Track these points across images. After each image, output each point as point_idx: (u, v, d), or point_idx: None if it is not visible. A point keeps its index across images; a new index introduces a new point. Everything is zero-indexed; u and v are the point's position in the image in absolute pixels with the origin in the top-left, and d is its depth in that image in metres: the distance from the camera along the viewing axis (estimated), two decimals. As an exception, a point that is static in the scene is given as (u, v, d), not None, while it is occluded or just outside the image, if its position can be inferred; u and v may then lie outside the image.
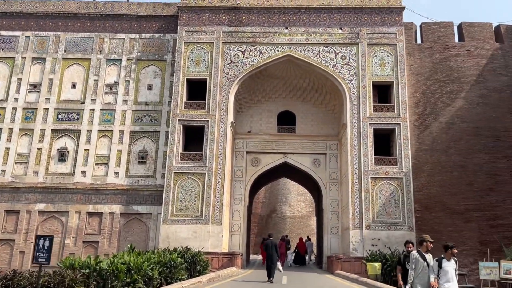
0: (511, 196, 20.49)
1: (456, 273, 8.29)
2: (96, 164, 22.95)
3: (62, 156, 22.86)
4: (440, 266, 8.15)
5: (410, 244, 9.94)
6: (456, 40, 23.67)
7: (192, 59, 23.24)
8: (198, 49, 23.39)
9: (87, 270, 10.66)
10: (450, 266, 8.18)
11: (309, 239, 31.42)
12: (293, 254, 28.90)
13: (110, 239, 21.96)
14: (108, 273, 10.74)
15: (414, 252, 8.66)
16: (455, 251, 8.44)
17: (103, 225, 22.11)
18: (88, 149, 23.03)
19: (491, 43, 23.25)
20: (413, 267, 8.46)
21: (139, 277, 11.71)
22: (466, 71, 22.79)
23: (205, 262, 18.29)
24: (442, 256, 8.28)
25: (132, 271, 11.53)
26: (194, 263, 17.72)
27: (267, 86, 25.39)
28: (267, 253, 16.78)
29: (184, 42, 23.44)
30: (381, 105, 22.44)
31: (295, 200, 48.18)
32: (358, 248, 20.82)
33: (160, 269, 13.97)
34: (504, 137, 21.39)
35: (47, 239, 10.14)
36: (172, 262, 15.10)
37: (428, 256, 8.49)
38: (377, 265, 16.94)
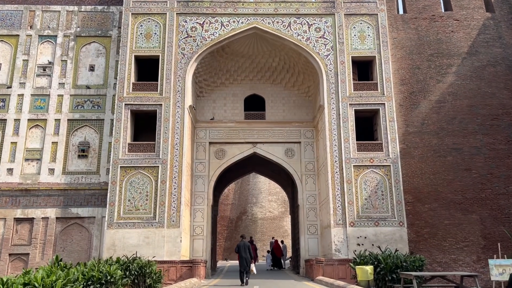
0: (515, 182, 17.83)
1: None
2: (26, 160, 18.99)
3: (-18, 151, 18.79)
4: None
5: None
6: (443, 10, 21.04)
7: (141, 33, 19.66)
8: (148, 21, 19.83)
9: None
10: None
11: (282, 242, 28.40)
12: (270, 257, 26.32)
13: (44, 250, 18.06)
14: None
15: None
16: None
17: (34, 234, 18.16)
18: (15, 142, 19.04)
19: (481, 13, 20.72)
20: None
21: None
22: (456, 43, 20.13)
23: (157, 273, 14.76)
24: None
25: (37, 295, 8.02)
26: (143, 276, 14.25)
27: (232, 66, 22.06)
28: (239, 255, 15.92)
29: (132, 13, 19.83)
30: (363, 83, 19.50)
31: (267, 200, 44.98)
32: (342, 249, 17.74)
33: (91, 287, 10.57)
34: (502, 115, 18.77)
35: None
36: (109, 277, 11.55)
37: None
38: (369, 268, 13.85)
